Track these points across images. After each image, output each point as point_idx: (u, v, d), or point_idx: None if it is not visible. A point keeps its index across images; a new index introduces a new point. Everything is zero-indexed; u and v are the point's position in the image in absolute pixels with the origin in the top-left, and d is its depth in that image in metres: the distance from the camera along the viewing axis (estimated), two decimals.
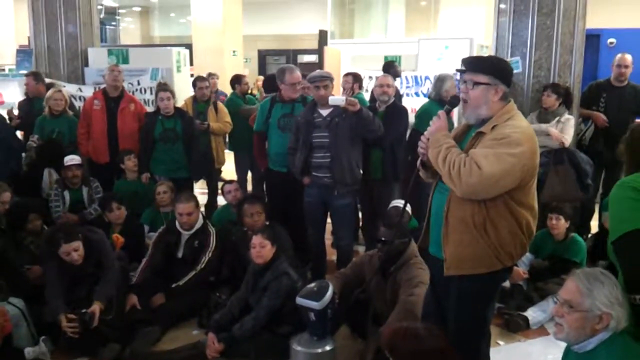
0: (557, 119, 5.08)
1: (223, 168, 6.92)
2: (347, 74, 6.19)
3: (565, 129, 5.01)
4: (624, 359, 1.97)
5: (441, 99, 5.04)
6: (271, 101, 4.90)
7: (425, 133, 2.61)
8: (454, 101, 2.70)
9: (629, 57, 5.61)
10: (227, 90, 8.36)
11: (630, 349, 2.01)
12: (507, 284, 4.46)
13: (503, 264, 2.53)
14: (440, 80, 5.25)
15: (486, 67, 2.53)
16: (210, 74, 8.24)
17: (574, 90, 5.50)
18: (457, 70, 2.67)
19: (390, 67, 6.75)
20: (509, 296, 4.40)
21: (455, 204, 2.50)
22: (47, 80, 6.56)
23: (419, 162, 2.74)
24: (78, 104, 6.53)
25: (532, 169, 2.47)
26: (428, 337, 2.13)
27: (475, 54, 8.30)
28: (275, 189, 4.97)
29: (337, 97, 4.25)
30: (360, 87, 6.28)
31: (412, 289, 3.39)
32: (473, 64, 2.58)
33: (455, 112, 5.75)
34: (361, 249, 5.27)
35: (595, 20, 7.61)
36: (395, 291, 3.54)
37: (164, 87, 5.59)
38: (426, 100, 5.60)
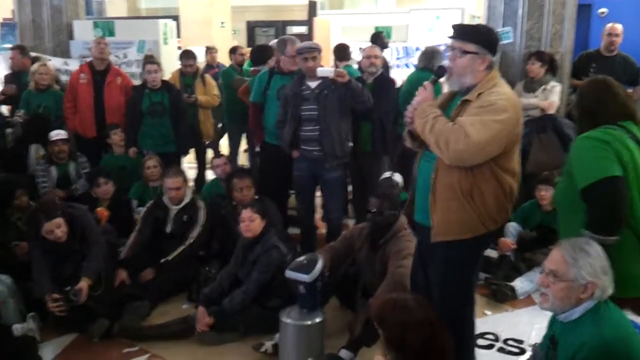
0: (542, 87, 5.06)
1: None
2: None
3: (550, 97, 4.98)
4: (609, 327, 1.99)
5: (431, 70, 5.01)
6: (270, 72, 4.82)
7: (412, 103, 2.63)
8: (440, 72, 2.70)
9: (619, 27, 5.58)
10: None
11: (614, 317, 2.02)
12: (494, 254, 4.49)
13: (487, 229, 2.60)
14: (430, 53, 5.20)
15: (475, 36, 2.56)
16: (208, 48, 8.12)
17: (565, 61, 5.47)
18: (449, 37, 2.67)
19: (378, 38, 6.69)
20: (497, 266, 4.43)
21: (443, 171, 2.55)
22: (32, 54, 6.43)
23: (405, 132, 2.78)
24: (64, 78, 6.42)
25: (516, 135, 2.54)
26: (417, 309, 2.14)
27: (466, 23, 8.23)
28: (271, 163, 4.84)
29: (326, 68, 4.19)
30: (349, 58, 6.21)
31: (401, 261, 3.39)
32: (463, 32, 2.60)
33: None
34: (351, 222, 5.27)
35: None
36: (384, 263, 3.54)
37: (150, 60, 5.50)
38: (413, 70, 5.56)
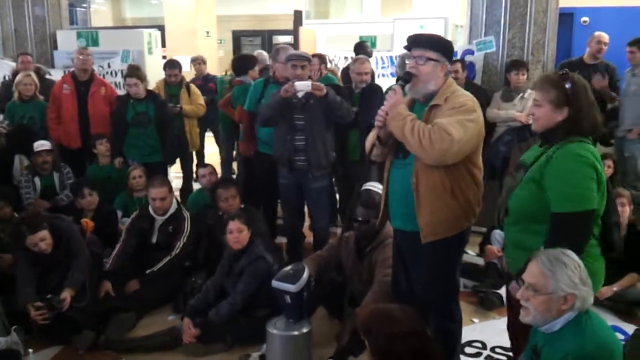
0: (520, 95, 5.11)
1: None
2: (312, 55, 6.03)
3: (528, 105, 4.98)
4: (590, 338, 1.99)
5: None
6: (265, 82, 4.81)
7: (383, 107, 2.70)
8: (407, 77, 2.77)
9: (606, 35, 5.64)
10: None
11: (596, 327, 2.03)
12: (481, 261, 4.51)
13: (470, 222, 2.80)
14: (404, 59, 5.24)
15: (435, 45, 2.71)
16: (194, 59, 7.78)
17: (547, 69, 5.52)
18: (404, 47, 2.84)
19: (361, 48, 6.74)
20: (484, 274, 4.43)
21: (424, 174, 2.65)
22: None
23: (373, 138, 2.83)
24: None
25: (483, 132, 2.72)
26: (403, 319, 2.14)
27: (450, 33, 8.30)
28: (265, 173, 4.77)
29: (304, 82, 4.17)
30: (327, 67, 6.22)
31: (388, 269, 3.38)
32: (424, 41, 2.73)
33: None
34: (339, 231, 5.27)
35: None
36: (371, 272, 3.55)
37: (130, 73, 5.42)
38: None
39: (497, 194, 3.35)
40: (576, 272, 2.02)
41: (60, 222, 4.00)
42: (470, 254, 4.84)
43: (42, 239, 3.73)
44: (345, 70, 6.20)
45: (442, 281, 2.83)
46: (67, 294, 3.69)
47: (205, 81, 7.30)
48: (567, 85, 2.34)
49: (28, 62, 6.16)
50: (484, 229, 4.62)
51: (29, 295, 3.67)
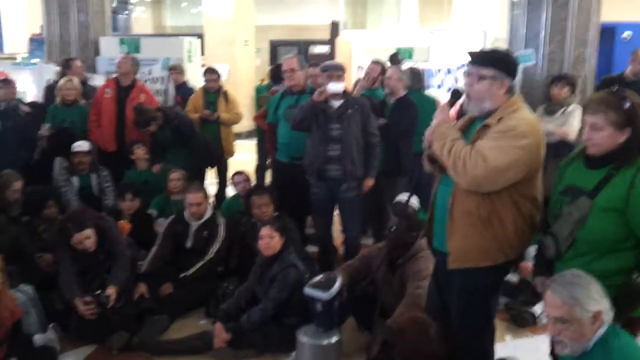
0: (562, 109, 5.01)
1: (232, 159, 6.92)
2: (376, 62, 5.65)
3: (569, 120, 4.90)
4: (618, 356, 1.97)
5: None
6: (282, 94, 4.90)
7: (430, 126, 2.60)
8: (456, 93, 2.69)
9: None
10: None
11: (623, 346, 2.01)
12: (515, 278, 4.44)
13: (507, 257, 2.54)
14: (417, 74, 5.26)
15: (492, 61, 2.52)
16: (172, 67, 7.15)
17: (588, 85, 5.44)
18: (466, 64, 2.67)
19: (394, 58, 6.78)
20: (517, 291, 4.37)
21: (460, 197, 2.50)
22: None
23: (424, 155, 2.73)
24: None
25: (538, 161, 2.49)
26: (435, 342, 2.13)
27: (488, 46, 8.23)
28: (281, 180, 4.93)
29: (337, 84, 4.21)
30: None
31: (420, 282, 3.37)
32: (479, 57, 2.58)
33: None
34: (369, 242, 5.25)
35: (610, 13, 7.51)
36: (402, 284, 3.53)
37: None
38: (434, 91, 5.56)
39: None
40: (593, 288, 2.00)
41: (104, 222, 4.11)
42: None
43: (87, 237, 3.84)
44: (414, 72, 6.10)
45: (472, 311, 2.62)
46: (112, 291, 3.79)
47: (177, 92, 6.98)
48: (627, 105, 2.25)
49: (78, 67, 6.29)
50: None
51: (75, 291, 3.77)
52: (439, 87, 6.84)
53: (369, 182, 4.38)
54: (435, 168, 2.71)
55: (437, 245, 2.74)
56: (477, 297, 2.61)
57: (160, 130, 5.42)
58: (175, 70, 7.11)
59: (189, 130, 5.52)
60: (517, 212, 2.48)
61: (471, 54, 2.62)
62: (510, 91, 2.53)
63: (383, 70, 5.55)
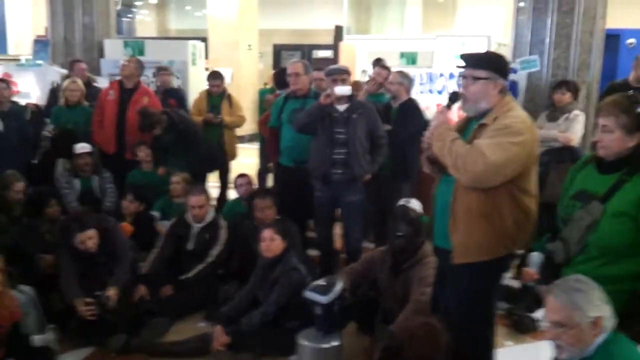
0: (565, 116, 4.99)
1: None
2: (383, 67, 5.66)
3: (572, 126, 4.88)
4: (620, 358, 1.95)
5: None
6: (285, 97, 4.89)
7: (429, 128, 2.70)
8: (454, 96, 2.77)
9: None
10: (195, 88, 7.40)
11: (624, 353, 1.99)
12: (517, 284, 4.42)
13: (508, 250, 2.67)
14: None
15: (485, 62, 2.64)
16: (159, 68, 6.78)
17: (592, 91, 5.43)
18: (458, 67, 2.77)
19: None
20: (519, 297, 4.34)
21: (462, 194, 2.59)
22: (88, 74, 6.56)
23: (423, 157, 2.82)
24: None
25: (533, 156, 2.60)
26: (443, 351, 2.11)
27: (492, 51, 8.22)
28: (284, 184, 4.92)
29: (344, 87, 4.21)
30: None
31: (424, 288, 3.35)
32: (472, 60, 2.68)
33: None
34: (371, 246, 5.23)
35: (615, 20, 7.50)
36: (406, 289, 3.51)
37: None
38: (437, 96, 5.54)
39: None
40: (594, 294, 1.99)
41: (106, 223, 4.12)
42: (506, 276, 4.75)
43: (90, 238, 3.85)
44: None
45: (475, 304, 2.73)
46: (112, 292, 3.78)
47: (165, 95, 6.49)
48: (639, 110, 2.25)
49: (82, 69, 6.31)
50: (521, 251, 4.53)
51: (76, 291, 3.76)
52: (439, 92, 6.83)
53: (366, 177, 4.33)
54: (435, 169, 2.81)
55: (438, 242, 2.85)
56: (479, 289, 2.71)
57: (165, 132, 5.40)
58: (165, 72, 6.71)
59: (193, 134, 5.51)
60: (516, 206, 2.57)
61: (465, 56, 2.71)
62: (503, 91, 2.64)
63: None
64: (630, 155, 2.28)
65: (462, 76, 2.68)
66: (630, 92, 2.36)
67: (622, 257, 2.29)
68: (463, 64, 2.69)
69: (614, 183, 2.31)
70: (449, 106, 2.75)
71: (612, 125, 2.27)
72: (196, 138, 5.54)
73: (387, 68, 5.59)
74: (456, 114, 2.81)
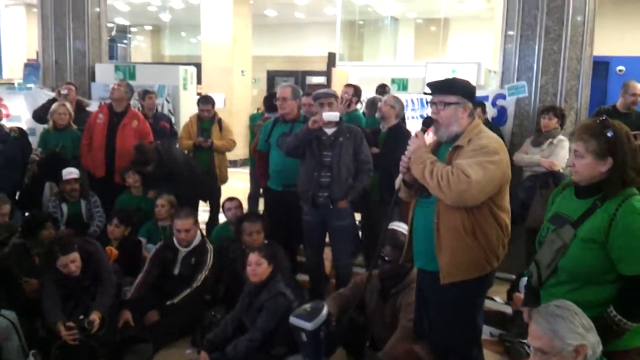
0: (549, 141, 5.00)
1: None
2: (348, 85, 6.04)
3: (556, 151, 4.90)
4: None
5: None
6: (274, 121, 4.90)
7: (405, 153, 2.75)
8: (428, 121, 2.83)
9: (639, 85, 5.54)
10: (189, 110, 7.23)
11: None
12: (509, 309, 4.37)
13: (492, 266, 2.74)
14: (375, 103, 5.45)
15: (454, 88, 2.74)
16: (146, 92, 6.60)
17: (581, 117, 5.45)
18: (424, 94, 2.93)
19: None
20: (511, 323, 4.30)
21: (445, 214, 2.65)
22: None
23: (399, 181, 2.89)
24: None
25: (508, 174, 2.70)
26: None
27: (482, 78, 8.30)
28: (273, 208, 4.92)
29: (331, 113, 4.23)
30: (359, 101, 6.22)
31: (412, 314, 3.30)
32: (441, 87, 2.77)
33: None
34: (362, 270, 5.18)
35: (605, 47, 7.58)
36: (394, 315, 3.47)
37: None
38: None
39: (516, 241, 3.24)
40: (577, 321, 1.93)
41: (90, 246, 4.07)
42: (498, 302, 4.71)
43: (73, 261, 3.81)
44: (371, 101, 6.21)
45: (462, 324, 2.77)
46: (95, 317, 3.72)
47: (156, 119, 6.51)
48: (609, 134, 2.22)
49: (72, 90, 6.27)
50: (512, 276, 4.50)
51: (59, 315, 3.71)
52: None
53: (342, 203, 4.29)
54: (411, 193, 2.89)
55: (420, 265, 2.90)
56: (465, 311, 2.76)
57: (155, 169, 5.34)
58: (149, 95, 6.57)
59: (182, 172, 5.45)
60: (495, 223, 2.68)
61: (432, 84, 2.81)
62: (471, 114, 2.76)
63: (356, 93, 5.90)
64: (604, 180, 2.25)
65: (432, 103, 2.77)
66: (602, 117, 2.32)
67: (591, 283, 2.26)
68: (429, 91, 2.79)
69: (587, 208, 2.28)
70: (423, 131, 2.81)
71: (582, 151, 2.26)
72: (186, 175, 5.47)
73: (352, 86, 5.95)
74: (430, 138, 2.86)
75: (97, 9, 7.38)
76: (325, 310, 3.25)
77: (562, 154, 4.92)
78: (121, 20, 17.50)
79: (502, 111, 5.62)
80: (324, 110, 4.26)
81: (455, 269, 2.66)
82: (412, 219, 2.88)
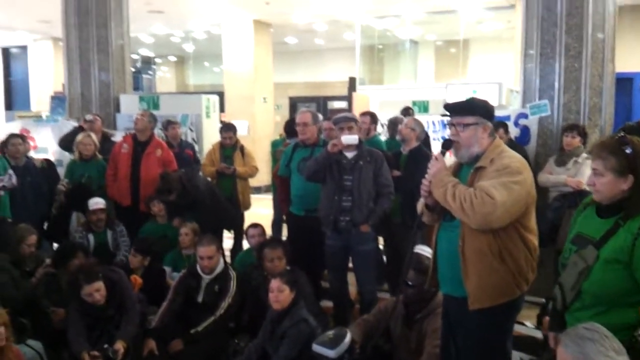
0: (573, 159, 4.93)
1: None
2: (363, 114, 6.03)
3: (582, 170, 4.83)
4: None
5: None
6: (294, 146, 4.92)
7: (426, 176, 2.70)
8: (447, 144, 2.79)
9: None
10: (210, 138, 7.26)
11: None
12: (539, 334, 4.27)
13: (521, 290, 2.65)
14: (394, 123, 5.46)
15: (472, 109, 2.70)
16: (169, 122, 6.62)
17: (605, 134, 5.37)
18: (442, 116, 2.85)
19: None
20: (542, 348, 4.18)
21: (470, 237, 2.58)
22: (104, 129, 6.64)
23: (421, 205, 2.82)
24: None
25: (533, 194, 2.63)
26: None
27: (504, 98, 8.26)
28: (295, 233, 4.92)
29: (351, 136, 4.23)
30: (376, 128, 6.23)
31: (438, 340, 3.24)
32: (459, 108, 2.73)
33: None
34: (387, 295, 5.12)
35: (628, 63, 7.49)
36: (420, 341, 3.41)
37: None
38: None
39: (546, 263, 3.18)
40: (607, 344, 1.85)
41: (114, 274, 4.09)
42: (529, 326, 4.61)
43: (97, 290, 3.81)
44: (392, 122, 6.22)
45: (491, 350, 2.69)
46: (120, 345, 3.73)
47: (181, 148, 6.56)
48: (628, 151, 2.17)
49: (97, 120, 6.35)
50: (542, 300, 4.40)
51: (83, 344, 3.72)
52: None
53: (364, 227, 4.26)
54: (434, 216, 2.82)
55: (446, 290, 2.83)
56: (493, 333, 2.68)
57: (179, 198, 5.40)
58: (172, 125, 6.57)
59: (205, 201, 5.48)
60: (523, 245, 2.60)
61: (450, 106, 2.76)
62: (492, 134, 2.71)
63: (373, 119, 5.91)
64: (625, 199, 2.18)
65: (451, 124, 2.72)
66: (621, 133, 2.27)
67: (616, 306, 2.19)
68: (447, 113, 2.75)
69: (609, 228, 2.21)
70: (443, 153, 2.76)
71: (601, 169, 2.20)
72: (209, 203, 5.49)
73: (368, 114, 5.96)
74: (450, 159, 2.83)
75: (121, 42, 7.55)
76: (348, 338, 3.21)
77: (587, 172, 4.81)
78: (146, 52, 17.86)
79: (525, 131, 5.57)
80: (344, 134, 4.26)
81: (483, 293, 2.58)
82: (435, 243, 2.83)
